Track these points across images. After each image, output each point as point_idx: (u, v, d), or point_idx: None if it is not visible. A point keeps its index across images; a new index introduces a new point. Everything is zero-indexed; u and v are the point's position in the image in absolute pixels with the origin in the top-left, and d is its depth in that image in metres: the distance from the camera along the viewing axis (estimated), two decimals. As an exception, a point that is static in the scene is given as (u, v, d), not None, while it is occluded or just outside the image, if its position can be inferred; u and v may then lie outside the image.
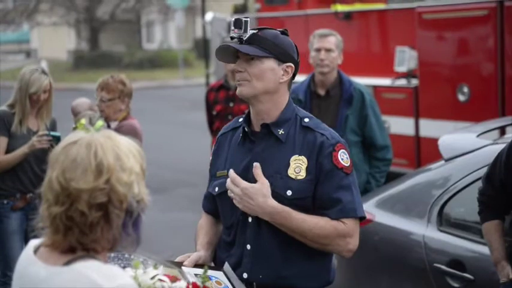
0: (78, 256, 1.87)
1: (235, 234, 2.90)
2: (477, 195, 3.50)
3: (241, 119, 2.98)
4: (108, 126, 5.20)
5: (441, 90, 7.37)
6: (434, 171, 4.34)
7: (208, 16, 11.45)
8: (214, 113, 6.50)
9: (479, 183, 3.57)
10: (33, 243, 1.98)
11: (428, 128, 7.40)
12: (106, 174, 1.86)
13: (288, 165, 2.82)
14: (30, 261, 1.93)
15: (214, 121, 6.55)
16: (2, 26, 39.93)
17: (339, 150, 2.83)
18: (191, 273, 2.69)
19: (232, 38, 2.87)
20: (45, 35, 44.00)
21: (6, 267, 5.25)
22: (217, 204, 3.00)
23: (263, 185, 2.77)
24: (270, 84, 2.83)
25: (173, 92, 24.54)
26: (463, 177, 3.97)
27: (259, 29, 2.88)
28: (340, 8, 8.80)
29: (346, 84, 5.25)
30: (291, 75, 2.88)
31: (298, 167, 2.81)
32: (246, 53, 2.81)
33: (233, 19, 2.89)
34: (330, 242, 2.81)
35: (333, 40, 5.30)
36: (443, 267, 3.82)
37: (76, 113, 5.65)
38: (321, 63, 5.21)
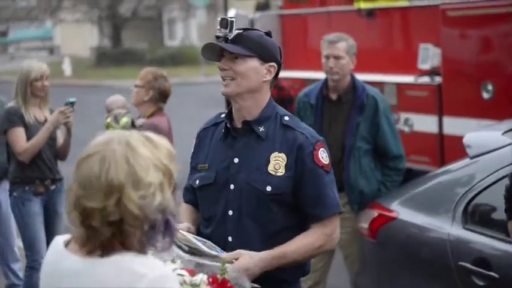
0: (112, 250, 1.85)
1: (214, 226, 2.95)
2: (503, 193, 3.48)
3: (223, 115, 3.07)
4: (132, 123, 5.24)
5: (465, 87, 7.32)
6: (459, 169, 4.32)
7: (231, 13, 11.44)
8: None
9: (505, 181, 3.54)
10: (60, 239, 1.97)
11: (452, 125, 7.35)
12: (116, 193, 1.81)
13: (268, 161, 2.90)
14: (61, 256, 1.91)
15: None
16: (25, 22, 40.21)
17: (319, 149, 2.92)
18: (187, 236, 2.77)
19: (218, 37, 2.96)
20: (68, 31, 44.25)
21: (30, 247, 5.43)
22: (197, 195, 3.08)
23: (243, 255, 2.79)
24: (253, 82, 2.92)
25: (195, 89, 24.58)
26: (488, 175, 3.95)
27: (244, 29, 2.97)
28: (363, 5, 8.75)
29: (359, 90, 5.08)
30: (273, 74, 2.97)
31: (277, 163, 2.90)
32: (231, 52, 2.90)
33: (219, 19, 2.98)
34: (321, 249, 2.97)
35: (343, 46, 5.08)
36: (468, 265, 3.80)
37: (109, 110, 5.71)
38: (330, 71, 5.07)
